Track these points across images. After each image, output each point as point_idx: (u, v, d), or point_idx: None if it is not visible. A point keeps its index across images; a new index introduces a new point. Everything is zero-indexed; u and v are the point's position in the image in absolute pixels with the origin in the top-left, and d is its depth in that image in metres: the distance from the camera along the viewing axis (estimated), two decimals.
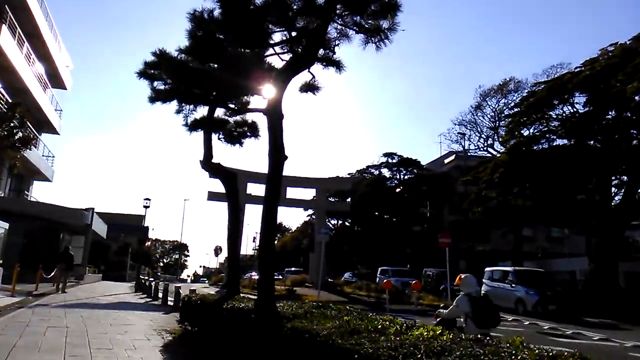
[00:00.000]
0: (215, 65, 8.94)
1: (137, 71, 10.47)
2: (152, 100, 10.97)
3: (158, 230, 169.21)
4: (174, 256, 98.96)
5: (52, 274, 18.12)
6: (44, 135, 32.30)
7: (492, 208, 26.34)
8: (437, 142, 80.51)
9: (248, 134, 11.53)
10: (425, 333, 3.90)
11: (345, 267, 45.87)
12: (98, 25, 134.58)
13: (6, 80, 23.43)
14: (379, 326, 4.11)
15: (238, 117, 11.15)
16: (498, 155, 31.92)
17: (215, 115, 11.30)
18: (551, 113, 23.61)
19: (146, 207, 24.17)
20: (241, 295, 8.64)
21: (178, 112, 11.55)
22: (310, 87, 9.44)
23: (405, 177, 47.70)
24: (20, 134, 17.80)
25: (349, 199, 46.21)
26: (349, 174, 51.34)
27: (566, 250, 37.23)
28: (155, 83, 10.94)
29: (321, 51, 8.85)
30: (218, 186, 29.93)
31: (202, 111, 11.53)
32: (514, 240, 32.47)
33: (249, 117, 11.42)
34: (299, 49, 8.20)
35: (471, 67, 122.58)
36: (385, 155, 48.17)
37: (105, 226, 36.99)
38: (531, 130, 24.41)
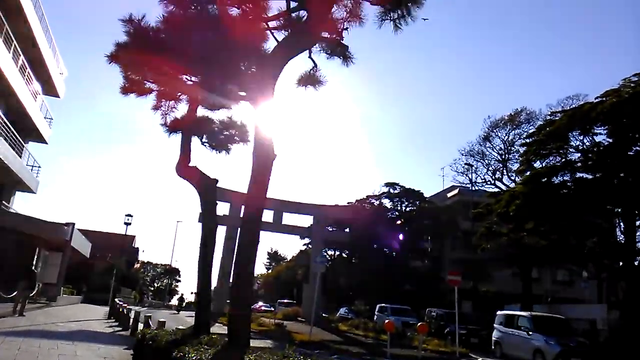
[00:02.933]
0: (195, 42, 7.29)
1: (107, 54, 8.87)
2: (125, 91, 9.33)
3: (149, 252, 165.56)
4: (165, 280, 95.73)
5: (14, 293, 16.06)
6: (31, 144, 30.69)
7: (502, 245, 24.36)
8: (440, 175, 78.25)
9: (236, 138, 9.82)
10: None
11: (341, 302, 43.50)
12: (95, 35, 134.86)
13: None
14: None
15: (224, 117, 9.50)
16: (506, 189, 30.14)
17: (198, 114, 9.70)
18: (571, 144, 21.98)
19: (127, 224, 22.28)
20: (211, 335, 6.69)
21: (156, 108, 9.92)
22: (310, 80, 7.77)
23: (407, 209, 45.80)
24: None
25: (347, 230, 44.25)
26: (348, 202, 49.48)
27: (572, 295, 35.01)
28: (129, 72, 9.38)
29: (326, 34, 7.25)
30: None
31: (183, 109, 9.97)
32: (522, 281, 30.27)
33: (237, 118, 9.78)
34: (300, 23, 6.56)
35: (478, 100, 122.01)
36: (387, 185, 46.32)
37: (89, 244, 34.88)
38: (546, 163, 22.69)
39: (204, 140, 10.13)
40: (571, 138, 22.22)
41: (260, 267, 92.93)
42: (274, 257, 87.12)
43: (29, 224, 23.54)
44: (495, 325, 18.75)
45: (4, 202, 27.22)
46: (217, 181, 8.37)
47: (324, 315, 34.33)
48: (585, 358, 15.28)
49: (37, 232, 23.97)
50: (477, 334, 21.16)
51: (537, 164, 23.21)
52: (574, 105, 24.36)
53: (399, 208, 45.95)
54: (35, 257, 24.84)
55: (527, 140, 25.01)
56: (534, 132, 25.08)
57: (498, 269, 34.69)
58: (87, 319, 18.07)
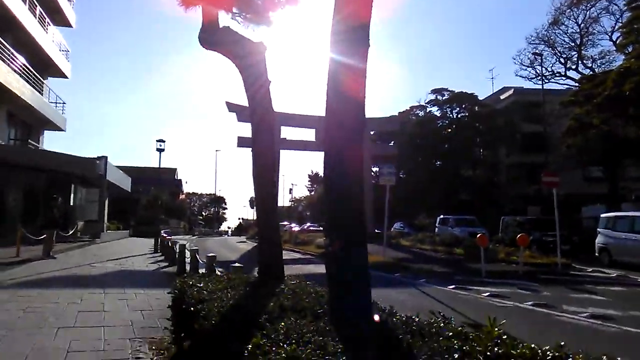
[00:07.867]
0: None
1: None
2: None
3: (193, 183, 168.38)
4: (212, 209, 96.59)
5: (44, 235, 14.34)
6: (51, 80, 28.50)
7: (589, 140, 20.79)
8: (488, 78, 69.88)
9: None
10: None
11: (391, 217, 41.48)
12: None
13: None
14: None
15: None
16: (584, 77, 25.77)
17: None
18: None
19: (160, 150, 20.20)
20: (289, 282, 4.13)
21: None
22: None
23: (458, 115, 41.93)
24: None
25: (392, 143, 41.34)
26: (390, 116, 45.87)
27: None
28: None
29: None
30: (247, 130, 25.27)
31: None
32: (608, 180, 26.76)
33: None
34: None
35: None
36: (434, 91, 42.22)
37: (129, 179, 33.49)
38: None
39: (234, 11, 7.05)
40: None
41: (302, 190, 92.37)
42: (314, 178, 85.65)
43: (59, 161, 21.78)
44: (599, 229, 15.97)
45: (30, 141, 25.55)
46: (265, 47, 5.46)
47: (376, 231, 32.54)
48: None
49: (68, 169, 22.27)
50: (569, 240, 18.49)
51: None
52: None
53: (448, 115, 42.09)
54: (72, 194, 23.31)
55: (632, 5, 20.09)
56: None
57: (564, 171, 31.37)
58: (130, 255, 16.36)
